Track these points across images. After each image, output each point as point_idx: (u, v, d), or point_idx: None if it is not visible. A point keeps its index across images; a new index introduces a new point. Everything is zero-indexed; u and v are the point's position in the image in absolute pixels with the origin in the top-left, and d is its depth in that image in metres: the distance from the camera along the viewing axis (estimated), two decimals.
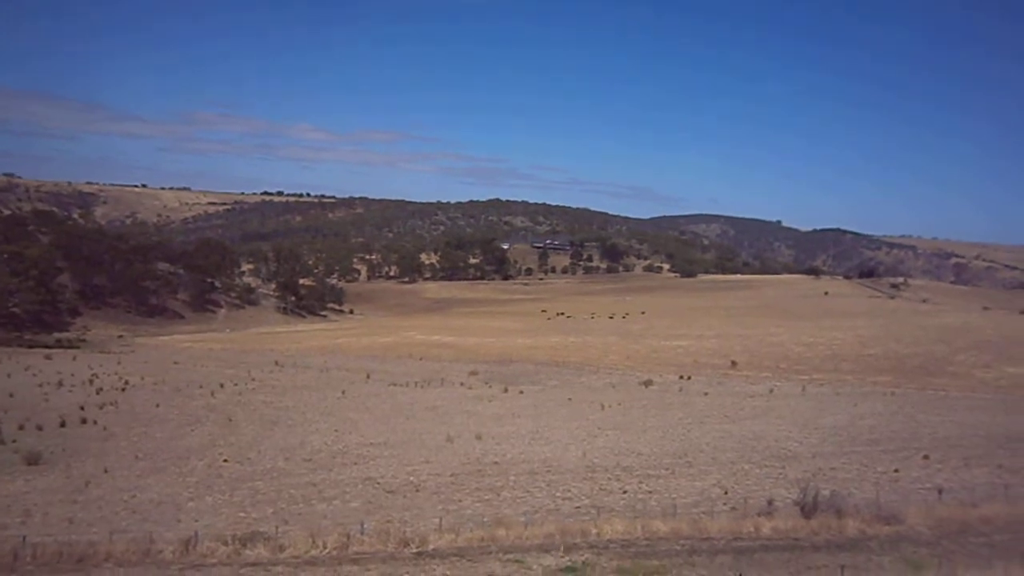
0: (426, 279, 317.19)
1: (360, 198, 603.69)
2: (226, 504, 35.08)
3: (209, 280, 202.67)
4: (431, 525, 29.26)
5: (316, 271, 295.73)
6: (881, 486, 36.19)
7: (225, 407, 63.80)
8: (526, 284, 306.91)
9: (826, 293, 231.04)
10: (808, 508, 28.89)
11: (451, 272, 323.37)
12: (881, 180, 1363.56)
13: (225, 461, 44.35)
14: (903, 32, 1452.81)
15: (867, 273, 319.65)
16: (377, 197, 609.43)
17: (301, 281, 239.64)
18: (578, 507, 33.89)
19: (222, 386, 75.38)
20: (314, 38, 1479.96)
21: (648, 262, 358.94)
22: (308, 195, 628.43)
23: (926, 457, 43.69)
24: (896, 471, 40.53)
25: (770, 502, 31.52)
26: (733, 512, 31.16)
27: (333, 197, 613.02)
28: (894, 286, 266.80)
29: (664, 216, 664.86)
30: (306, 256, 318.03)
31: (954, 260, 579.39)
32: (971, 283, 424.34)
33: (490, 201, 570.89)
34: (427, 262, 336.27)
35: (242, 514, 33.22)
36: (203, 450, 47.36)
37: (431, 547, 26.01)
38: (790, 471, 40.76)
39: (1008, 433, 51.35)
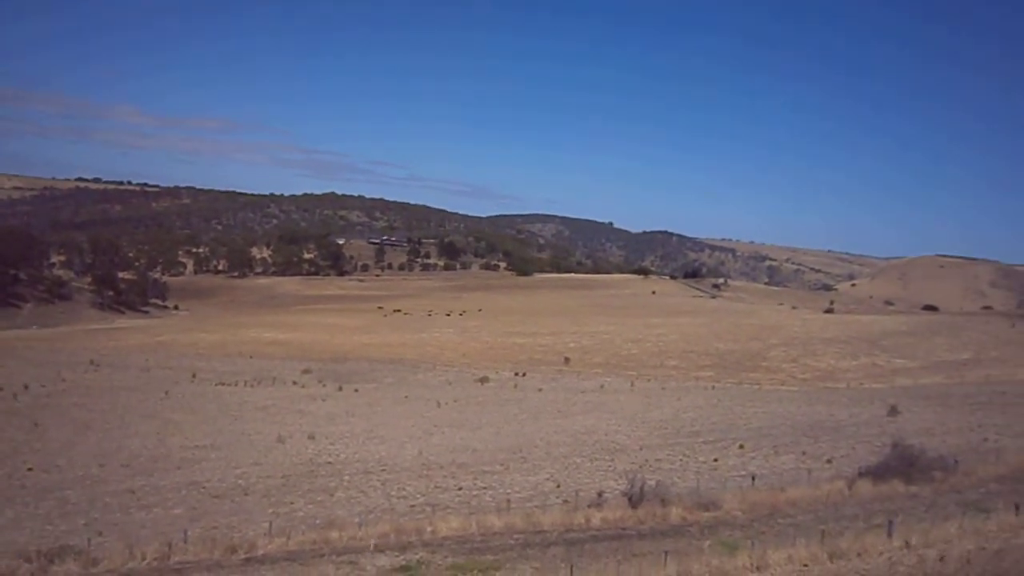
0: (258, 274, 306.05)
1: (187, 188, 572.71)
2: (30, 517, 32.38)
3: (12, 272, 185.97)
4: (260, 529, 28.21)
5: (137, 264, 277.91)
6: (702, 475, 38.25)
7: (30, 411, 58.80)
8: (362, 280, 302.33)
9: (654, 292, 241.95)
10: (635, 498, 30.04)
11: (284, 267, 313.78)
12: (705, 186, 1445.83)
13: (30, 470, 40.96)
14: (721, 45, 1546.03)
15: (691, 274, 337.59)
16: (205, 187, 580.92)
17: (120, 275, 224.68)
18: (413, 505, 33.73)
19: (27, 388, 69.35)
20: (134, 12, 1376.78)
21: (485, 260, 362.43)
22: (129, 183, 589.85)
23: (741, 446, 46.57)
24: (715, 460, 42.96)
25: (600, 494, 32.56)
26: (565, 505, 31.95)
27: (157, 186, 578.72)
28: (715, 286, 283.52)
29: (502, 215, 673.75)
30: (126, 248, 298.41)
31: (768, 263, 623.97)
32: (782, 284, 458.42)
33: (326, 195, 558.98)
34: (259, 256, 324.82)
35: (49, 527, 30.75)
36: (3, 459, 43.51)
37: (260, 552, 25.05)
38: (619, 463, 42.32)
39: (811, 421, 55.61)
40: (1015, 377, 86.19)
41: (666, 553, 21.36)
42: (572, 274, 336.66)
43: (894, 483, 31.81)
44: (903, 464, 32.81)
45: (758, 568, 20.02)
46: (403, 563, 23.84)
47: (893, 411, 57.35)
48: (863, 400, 68.37)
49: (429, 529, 27.51)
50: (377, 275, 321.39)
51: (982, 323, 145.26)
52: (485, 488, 37.11)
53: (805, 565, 20.15)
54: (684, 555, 21.80)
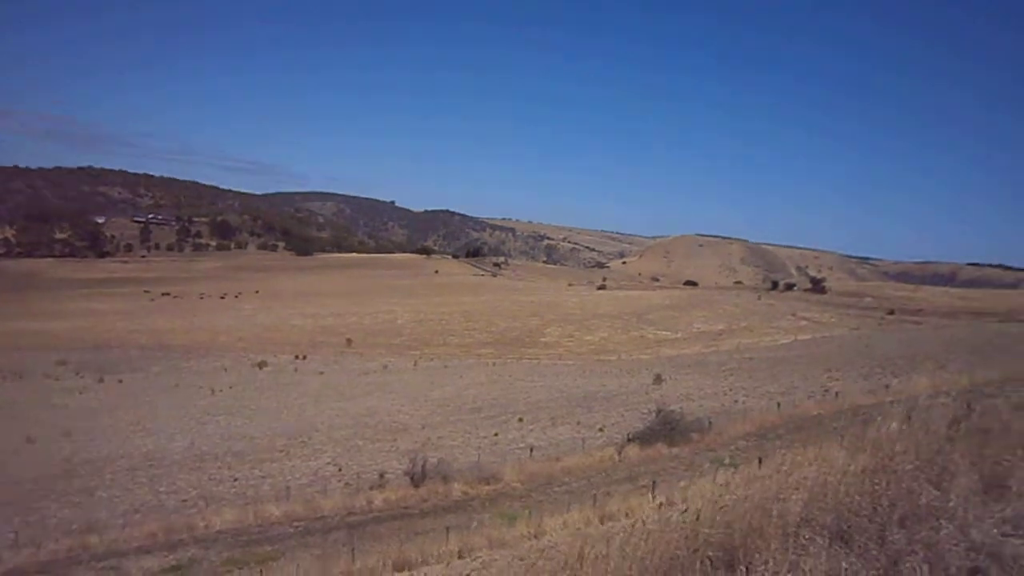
0: (1, 256, 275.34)
1: None
2: None
3: None
4: (5, 541, 25.51)
5: None
6: (483, 450, 39.14)
7: None
8: (125, 262, 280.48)
9: (436, 271, 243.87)
10: (417, 477, 30.24)
11: (32, 248, 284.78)
12: (486, 166, 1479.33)
13: None
14: (500, 21, 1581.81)
15: (473, 253, 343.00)
16: None
17: None
18: (184, 500, 31.92)
19: None
20: None
21: (263, 240, 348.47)
22: None
23: (521, 420, 48.14)
24: (496, 435, 44.10)
25: (382, 475, 32.46)
26: (347, 488, 31.58)
27: None
28: (496, 265, 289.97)
29: (279, 192, 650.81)
30: None
31: (546, 242, 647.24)
32: (559, 262, 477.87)
33: (82, 169, 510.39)
34: (1, 236, 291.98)
35: None
36: None
37: (7, 567, 22.68)
38: (401, 443, 42.36)
39: (585, 393, 58.57)
40: (760, 344, 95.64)
41: (448, 529, 21.67)
42: (354, 254, 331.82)
43: (658, 446, 34.23)
44: (666, 428, 35.41)
45: (535, 536, 20.75)
46: (173, 563, 22.53)
47: (658, 380, 61.71)
48: (632, 371, 72.92)
49: (202, 524, 26.21)
50: (143, 256, 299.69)
51: (734, 296, 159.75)
52: (263, 477, 35.83)
53: (578, 528, 21.12)
54: (465, 529, 22.22)
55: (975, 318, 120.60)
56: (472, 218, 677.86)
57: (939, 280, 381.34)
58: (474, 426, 47.12)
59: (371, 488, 30.22)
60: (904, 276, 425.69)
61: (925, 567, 3.70)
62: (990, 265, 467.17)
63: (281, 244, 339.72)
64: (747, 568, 3.90)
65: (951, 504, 4.42)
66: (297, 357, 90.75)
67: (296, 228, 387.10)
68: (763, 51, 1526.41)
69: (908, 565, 3.75)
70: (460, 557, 19.10)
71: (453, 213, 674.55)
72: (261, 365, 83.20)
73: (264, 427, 49.04)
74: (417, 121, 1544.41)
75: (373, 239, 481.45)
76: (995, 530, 4.18)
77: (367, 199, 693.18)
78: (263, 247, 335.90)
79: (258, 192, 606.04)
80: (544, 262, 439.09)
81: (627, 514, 22.35)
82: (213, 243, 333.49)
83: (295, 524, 26.20)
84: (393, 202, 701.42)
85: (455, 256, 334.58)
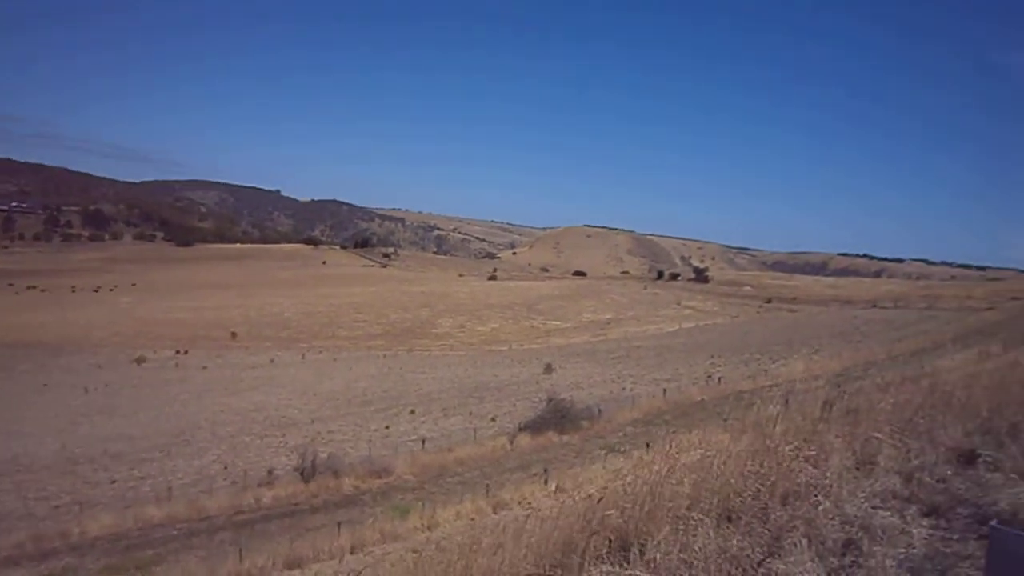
0: None
1: None
2: None
3: None
4: None
5: None
6: (374, 443, 38.77)
7: None
8: None
9: (324, 262, 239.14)
10: (307, 473, 29.71)
11: None
12: (374, 156, 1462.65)
13: None
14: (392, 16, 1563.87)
15: (362, 243, 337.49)
16: None
17: None
18: (56, 506, 30.30)
19: None
20: None
21: (140, 230, 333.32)
22: None
23: (412, 412, 47.95)
24: (387, 427, 43.78)
25: (270, 472, 31.76)
26: (233, 487, 30.72)
27: None
28: (386, 255, 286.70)
29: (158, 180, 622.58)
30: None
31: (436, 232, 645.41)
32: (450, 252, 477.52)
33: None
34: None
35: None
36: None
37: None
38: (290, 438, 41.49)
39: (477, 383, 58.81)
40: (647, 332, 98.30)
41: (339, 524, 21.42)
42: (238, 244, 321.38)
43: (549, 434, 34.76)
44: (557, 416, 36.00)
45: (428, 528, 20.76)
46: (45, 573, 21.43)
47: (548, 369, 62.54)
48: (523, 360, 73.64)
49: (77, 531, 24.98)
50: (5, 247, 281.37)
51: (620, 286, 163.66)
52: (143, 478, 34.41)
53: (472, 519, 21.25)
54: (358, 524, 21.99)
55: (844, 305, 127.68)
56: (360, 208, 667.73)
57: (811, 269, 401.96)
58: (365, 419, 46.62)
59: (259, 485, 29.50)
60: (779, 265, 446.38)
61: (804, 541, 3.89)
62: (857, 255, 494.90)
63: (160, 235, 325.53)
64: (640, 551, 4.01)
65: (827, 481, 4.67)
66: (178, 352, 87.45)
67: (176, 218, 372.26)
68: (642, 35, 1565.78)
69: (789, 540, 3.94)
70: (352, 552, 18.90)
71: (341, 203, 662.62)
72: (139, 361, 79.76)
73: (143, 426, 47.06)
74: (301, 108, 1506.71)
75: (258, 229, 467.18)
76: (866, 504, 4.44)
77: (251, 188, 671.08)
78: (140, 238, 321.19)
79: (135, 180, 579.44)
80: (434, 252, 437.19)
81: (520, 502, 22.64)
82: (85, 233, 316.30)
83: (178, 526, 25.30)
84: (278, 191, 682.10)
85: (343, 247, 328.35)
